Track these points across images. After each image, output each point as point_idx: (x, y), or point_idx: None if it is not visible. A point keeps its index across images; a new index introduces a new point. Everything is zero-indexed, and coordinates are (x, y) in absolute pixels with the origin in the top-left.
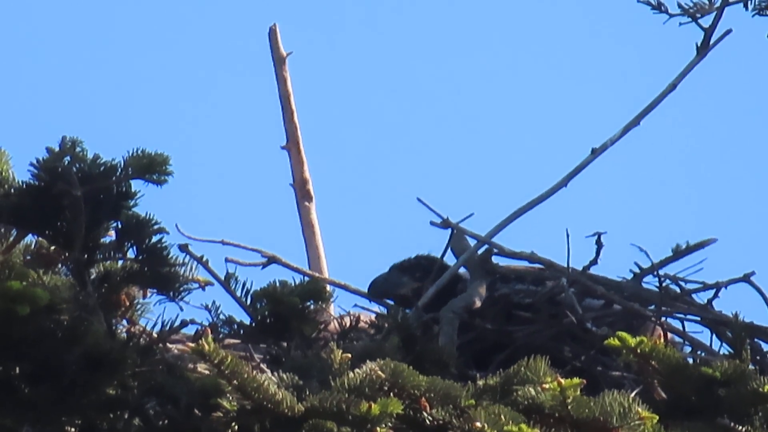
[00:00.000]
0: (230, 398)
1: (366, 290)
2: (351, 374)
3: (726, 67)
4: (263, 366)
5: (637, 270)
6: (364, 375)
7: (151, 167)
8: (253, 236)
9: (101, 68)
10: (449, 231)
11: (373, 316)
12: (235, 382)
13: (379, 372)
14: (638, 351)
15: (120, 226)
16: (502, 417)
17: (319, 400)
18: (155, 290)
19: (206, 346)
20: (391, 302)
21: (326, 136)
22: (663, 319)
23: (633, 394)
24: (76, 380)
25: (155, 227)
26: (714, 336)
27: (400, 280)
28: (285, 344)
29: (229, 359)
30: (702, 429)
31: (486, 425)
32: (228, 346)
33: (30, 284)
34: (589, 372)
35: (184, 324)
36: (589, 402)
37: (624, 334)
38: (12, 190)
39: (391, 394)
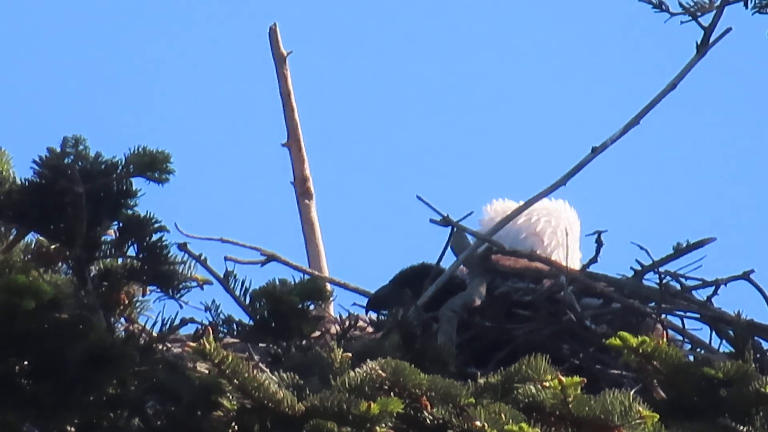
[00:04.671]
0: (230, 397)
1: (367, 286)
2: (351, 373)
3: (726, 65)
4: (262, 365)
5: (638, 267)
6: (365, 374)
7: (152, 165)
8: (252, 234)
9: (103, 67)
10: (449, 229)
11: (372, 315)
12: (235, 381)
13: (380, 371)
14: (640, 351)
15: (120, 224)
16: (503, 415)
17: (320, 400)
18: (155, 288)
19: (207, 346)
20: None
21: (327, 134)
22: (663, 316)
23: (632, 392)
24: (77, 378)
25: (155, 226)
26: (713, 333)
27: (400, 297)
28: (284, 343)
29: (229, 359)
30: (703, 429)
31: (486, 424)
32: (227, 346)
33: (35, 278)
34: (588, 370)
35: (183, 323)
36: (589, 400)
37: (626, 334)
38: (13, 188)
39: (392, 393)
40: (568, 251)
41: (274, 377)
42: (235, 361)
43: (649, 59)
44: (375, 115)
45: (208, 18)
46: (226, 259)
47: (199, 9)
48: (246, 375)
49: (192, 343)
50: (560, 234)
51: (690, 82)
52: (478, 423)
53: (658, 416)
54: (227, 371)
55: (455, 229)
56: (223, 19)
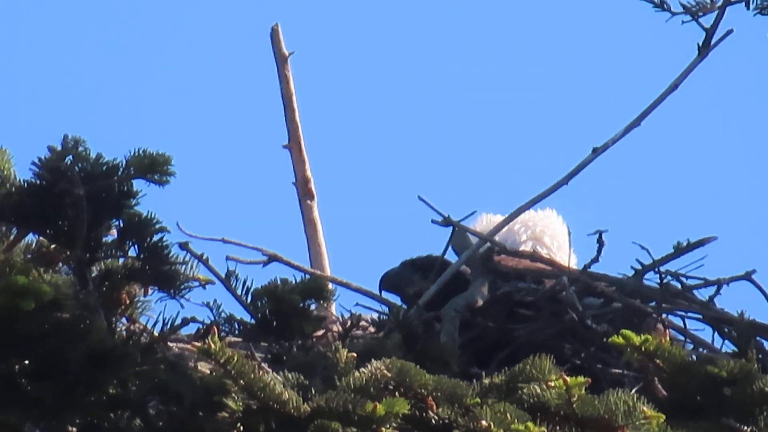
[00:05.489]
0: (236, 398)
1: (369, 285)
2: (356, 374)
3: (727, 66)
4: (264, 365)
5: (638, 267)
6: (370, 374)
7: (152, 167)
8: (254, 235)
9: (104, 68)
10: (450, 229)
11: (374, 315)
12: (241, 381)
13: (385, 371)
14: (643, 349)
15: (121, 224)
16: (508, 415)
17: (325, 400)
18: (156, 288)
19: (212, 345)
20: (398, 298)
21: (328, 135)
22: (664, 316)
23: (633, 392)
24: (79, 378)
25: (156, 226)
26: (715, 333)
27: (411, 278)
28: (286, 343)
29: (235, 358)
30: (707, 428)
31: (492, 424)
32: (229, 345)
33: (35, 279)
34: (590, 369)
35: (185, 322)
36: (594, 400)
37: (629, 333)
38: (14, 189)
39: (397, 393)
40: (570, 252)
41: (279, 377)
42: (241, 361)
43: (650, 60)
44: (376, 116)
45: (209, 18)
46: (227, 259)
47: (200, 9)
48: (252, 375)
49: (197, 343)
50: (560, 237)
51: (691, 83)
52: (484, 422)
53: (663, 416)
54: (233, 371)
55: (456, 229)
56: (225, 19)
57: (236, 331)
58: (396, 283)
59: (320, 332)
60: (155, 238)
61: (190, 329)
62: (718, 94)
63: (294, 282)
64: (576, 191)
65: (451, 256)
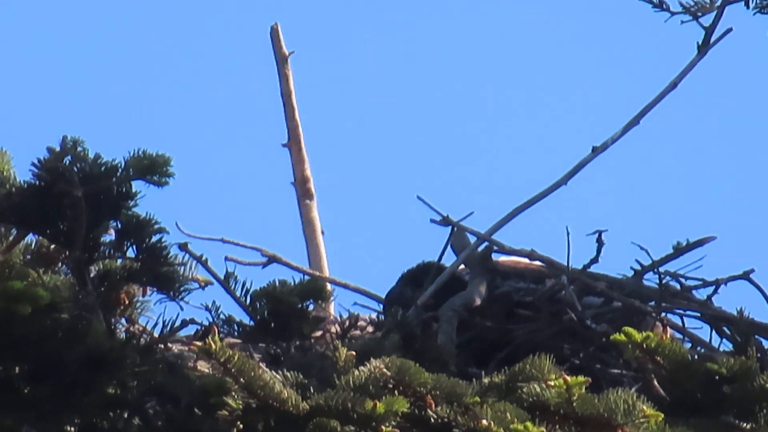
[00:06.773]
0: (235, 396)
1: (367, 285)
2: (356, 372)
3: (727, 65)
4: (262, 366)
5: (637, 267)
6: (369, 373)
7: (152, 168)
8: (253, 235)
9: (103, 67)
10: (449, 229)
11: (372, 315)
12: (241, 380)
13: (385, 370)
14: (644, 346)
15: (120, 225)
16: (508, 414)
17: (324, 399)
18: (155, 289)
19: (213, 345)
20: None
21: (327, 135)
22: (663, 315)
23: (632, 391)
24: (77, 379)
25: (155, 227)
26: (714, 332)
27: (413, 295)
28: (284, 344)
29: (235, 357)
30: (707, 426)
31: (492, 423)
32: (229, 346)
33: (31, 284)
34: (589, 369)
35: (184, 324)
36: (593, 399)
37: (630, 330)
38: (13, 190)
39: (396, 392)
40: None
41: (278, 376)
42: (241, 360)
43: (649, 59)
44: (376, 116)
45: (208, 17)
46: (226, 259)
47: (199, 8)
48: (252, 374)
49: (198, 342)
50: None
51: (690, 82)
52: (484, 422)
53: (662, 415)
54: (233, 370)
55: (455, 228)
56: (224, 18)
57: (235, 333)
58: (399, 303)
59: (318, 333)
60: (154, 238)
61: (189, 330)
62: (717, 92)
63: (293, 283)
64: (575, 191)
65: (450, 256)
